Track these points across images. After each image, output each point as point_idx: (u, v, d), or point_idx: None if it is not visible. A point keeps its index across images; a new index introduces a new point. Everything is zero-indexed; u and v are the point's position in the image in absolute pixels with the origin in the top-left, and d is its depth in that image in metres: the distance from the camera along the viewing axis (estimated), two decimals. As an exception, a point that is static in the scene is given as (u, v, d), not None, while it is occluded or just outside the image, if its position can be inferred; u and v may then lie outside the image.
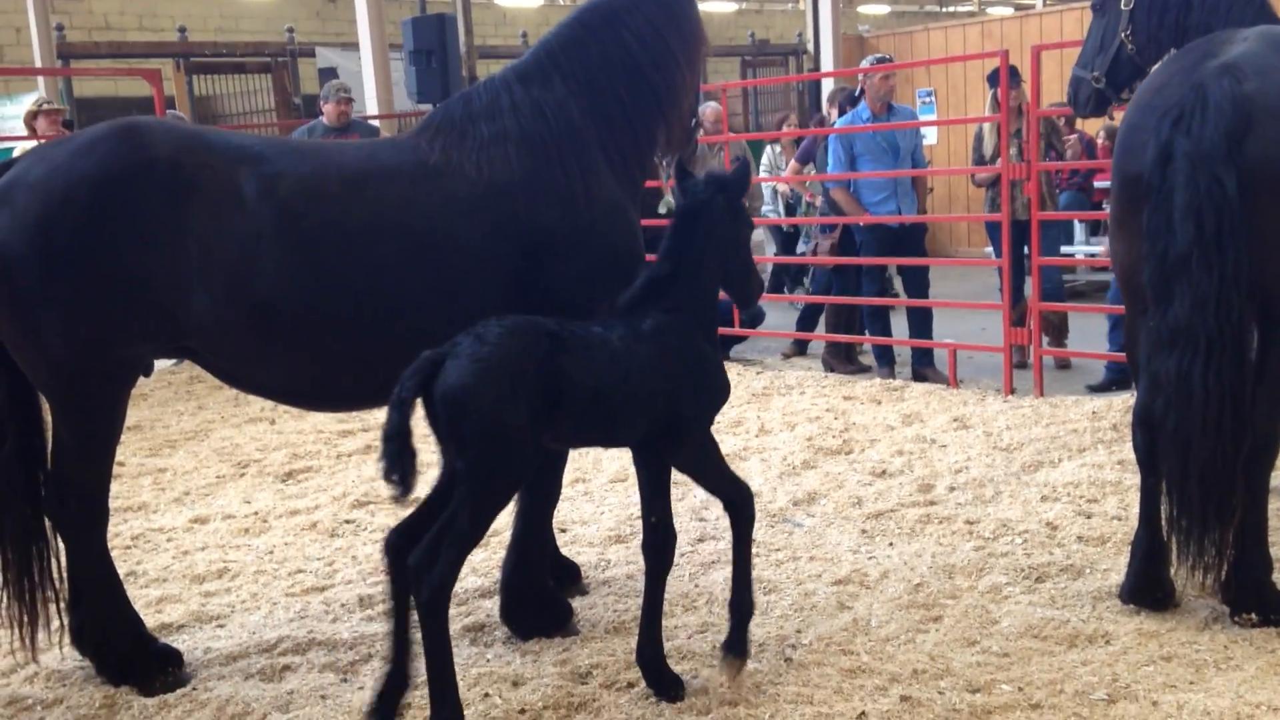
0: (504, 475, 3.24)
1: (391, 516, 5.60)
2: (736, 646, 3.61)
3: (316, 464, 6.69)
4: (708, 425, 3.59)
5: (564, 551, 4.75)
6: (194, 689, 3.79)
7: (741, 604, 3.63)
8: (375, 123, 12.47)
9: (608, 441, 3.72)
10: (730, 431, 6.79)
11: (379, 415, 7.24)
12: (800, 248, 10.40)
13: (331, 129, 9.57)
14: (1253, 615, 3.80)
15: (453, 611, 4.35)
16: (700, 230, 3.58)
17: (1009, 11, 31.15)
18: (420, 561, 3.19)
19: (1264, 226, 3.60)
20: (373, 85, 14.11)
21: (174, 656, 3.92)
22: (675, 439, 3.49)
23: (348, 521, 5.60)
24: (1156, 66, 4.36)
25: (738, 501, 3.59)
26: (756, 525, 3.89)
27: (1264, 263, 3.61)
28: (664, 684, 3.56)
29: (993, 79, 8.08)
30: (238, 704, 3.66)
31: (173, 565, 5.08)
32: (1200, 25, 4.44)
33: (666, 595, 4.36)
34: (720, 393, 3.61)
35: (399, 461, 3.08)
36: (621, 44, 4.09)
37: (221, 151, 3.72)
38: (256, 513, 5.79)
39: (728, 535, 4.95)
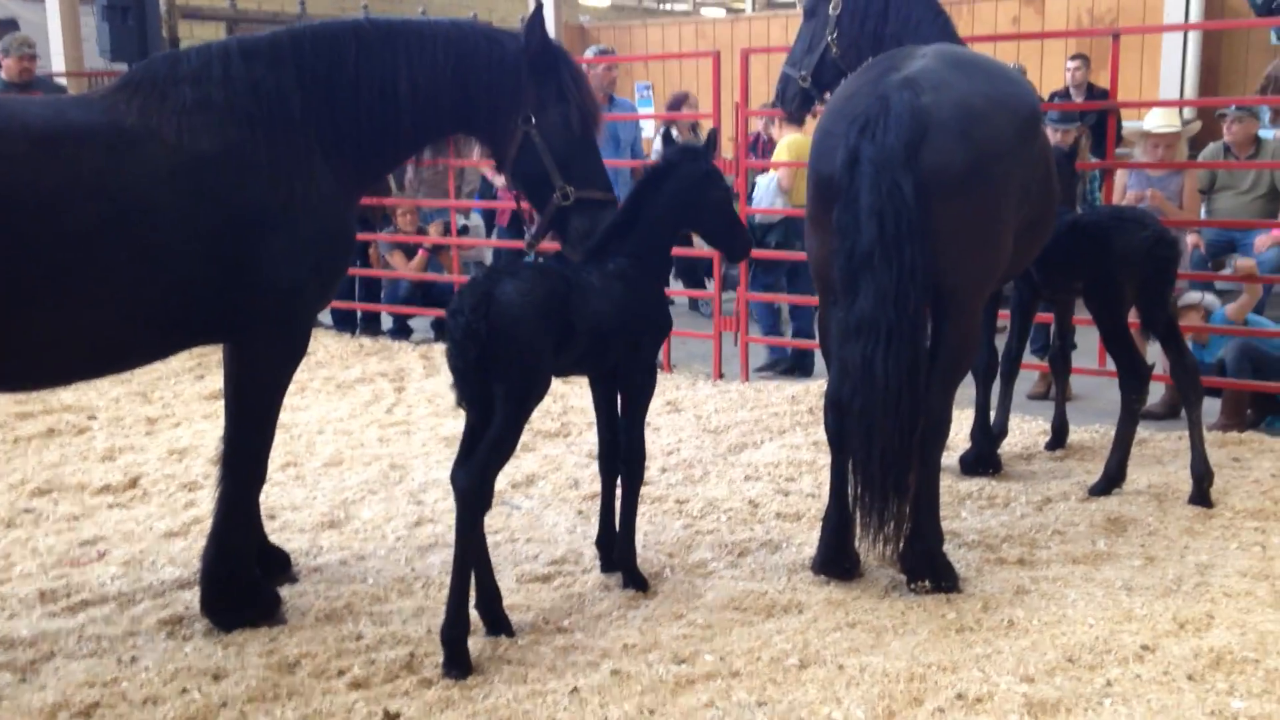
0: (533, 396, 3.72)
1: (78, 505, 5.22)
2: (632, 583, 4.24)
3: (-10, 450, 6.12)
4: (656, 353, 4.24)
5: (273, 538, 4.58)
6: None
7: (626, 554, 4.26)
8: (62, 80, 11.51)
9: (591, 369, 4.13)
10: (450, 415, 6.75)
11: (61, 396, 6.78)
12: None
13: (11, 85, 8.76)
14: (926, 582, 4.16)
15: (148, 604, 4.14)
16: (662, 189, 4.10)
17: (722, 14, 32.39)
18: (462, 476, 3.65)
19: (937, 227, 3.95)
20: (59, 40, 13.03)
21: None
22: (630, 365, 4.08)
23: (26, 510, 5.16)
24: (852, 74, 4.68)
25: (637, 457, 4.18)
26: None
27: (937, 259, 3.96)
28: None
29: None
30: (-106, 714, 3.32)
31: None
32: (894, 37, 4.83)
33: (381, 580, 4.34)
34: (665, 326, 4.24)
35: (471, 376, 3.61)
36: (389, 75, 3.93)
37: None
38: (-83, 504, 5.23)
39: (445, 518, 4.95)
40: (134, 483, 5.56)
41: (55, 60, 12.92)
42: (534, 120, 4.07)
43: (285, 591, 4.18)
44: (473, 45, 4.05)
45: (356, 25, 4.02)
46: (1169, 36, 13.18)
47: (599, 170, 4.24)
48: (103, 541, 4.80)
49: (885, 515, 3.98)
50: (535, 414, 6.60)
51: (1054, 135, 7.51)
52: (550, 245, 4.48)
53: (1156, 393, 6.65)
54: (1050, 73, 13.11)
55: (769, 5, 36.56)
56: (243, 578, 3.99)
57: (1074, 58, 10.72)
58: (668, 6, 38.51)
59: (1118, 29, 7.64)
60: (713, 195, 4.20)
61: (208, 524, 4.09)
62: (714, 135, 4.35)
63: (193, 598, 4.07)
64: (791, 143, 8.17)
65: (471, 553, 3.68)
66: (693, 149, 4.20)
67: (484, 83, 4.04)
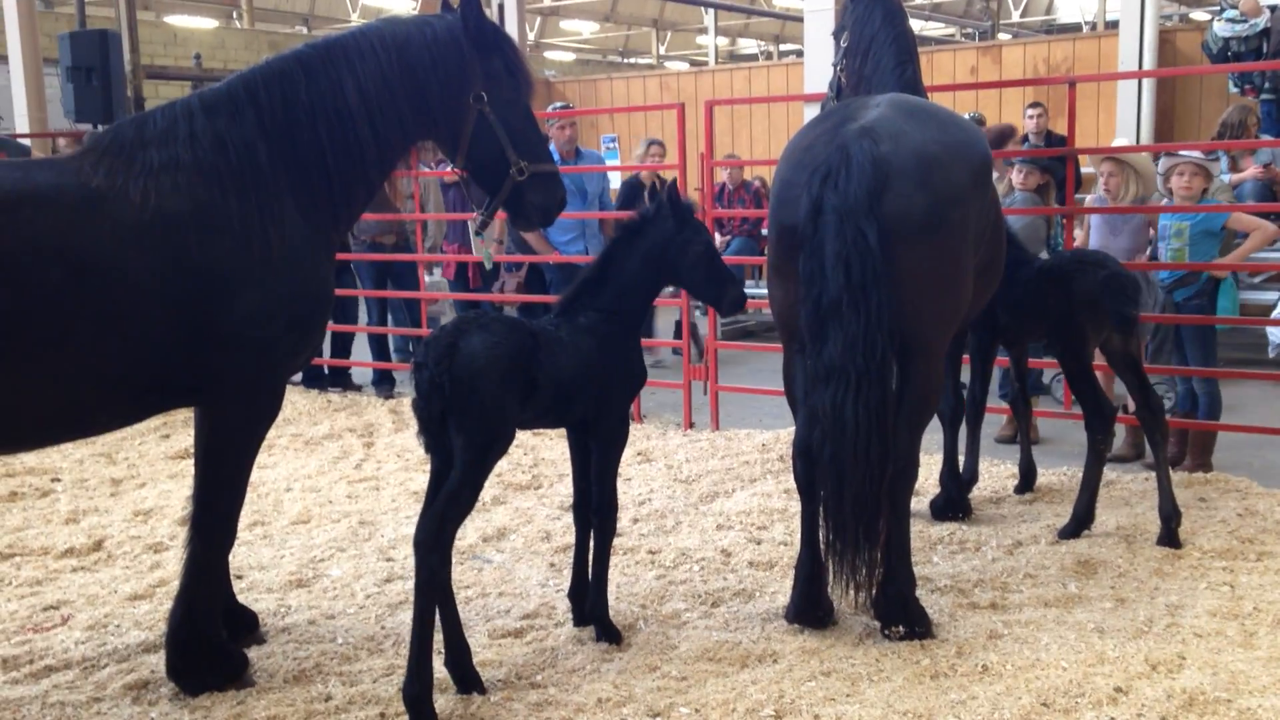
0: (494, 449, 3.69)
1: (41, 569, 5.14)
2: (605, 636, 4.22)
3: (-49, 515, 6.01)
4: (628, 406, 4.24)
5: (240, 598, 4.51)
6: None
7: (599, 604, 4.25)
8: (26, 141, 11.49)
9: (556, 422, 4.13)
10: (420, 469, 6.71)
11: (24, 458, 6.69)
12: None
13: (-27, 146, 8.72)
14: (900, 628, 4.15)
15: (112, 669, 4.07)
16: (636, 243, 4.13)
17: (685, 67, 32.79)
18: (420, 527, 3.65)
19: (900, 273, 3.99)
20: (23, 101, 13.04)
21: None
22: (601, 417, 4.09)
23: (-12, 577, 5.07)
24: (803, 126, 4.76)
25: (609, 507, 4.18)
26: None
27: (901, 305, 4.00)
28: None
29: None
30: None
31: None
32: (869, 79, 5.02)
33: (351, 639, 4.29)
34: (639, 379, 4.26)
35: (436, 427, 3.65)
36: (338, 91, 3.92)
37: None
38: (-125, 572, 5.12)
39: (414, 575, 4.89)
40: (98, 545, 5.48)
41: (20, 121, 12.92)
42: (485, 98, 4.09)
43: (253, 653, 4.12)
44: (405, 33, 4.04)
45: (298, 54, 4.01)
46: (1124, 84, 13.46)
47: (544, 143, 4.38)
48: (66, 606, 4.72)
49: (857, 561, 3.99)
50: (506, 466, 6.66)
51: (1019, 178, 7.64)
52: (514, 297, 4.47)
53: (1121, 435, 6.71)
54: (1008, 119, 13.33)
55: (731, 58, 37.16)
56: (209, 640, 3.92)
57: (1032, 105, 10.93)
58: (632, 60, 38.95)
59: (1073, 77, 7.79)
60: (690, 250, 4.12)
61: (174, 586, 4.03)
62: (672, 185, 4.23)
63: (158, 661, 4.00)
64: None
65: (432, 606, 3.63)
66: (663, 202, 4.11)
67: (428, 63, 4.02)
